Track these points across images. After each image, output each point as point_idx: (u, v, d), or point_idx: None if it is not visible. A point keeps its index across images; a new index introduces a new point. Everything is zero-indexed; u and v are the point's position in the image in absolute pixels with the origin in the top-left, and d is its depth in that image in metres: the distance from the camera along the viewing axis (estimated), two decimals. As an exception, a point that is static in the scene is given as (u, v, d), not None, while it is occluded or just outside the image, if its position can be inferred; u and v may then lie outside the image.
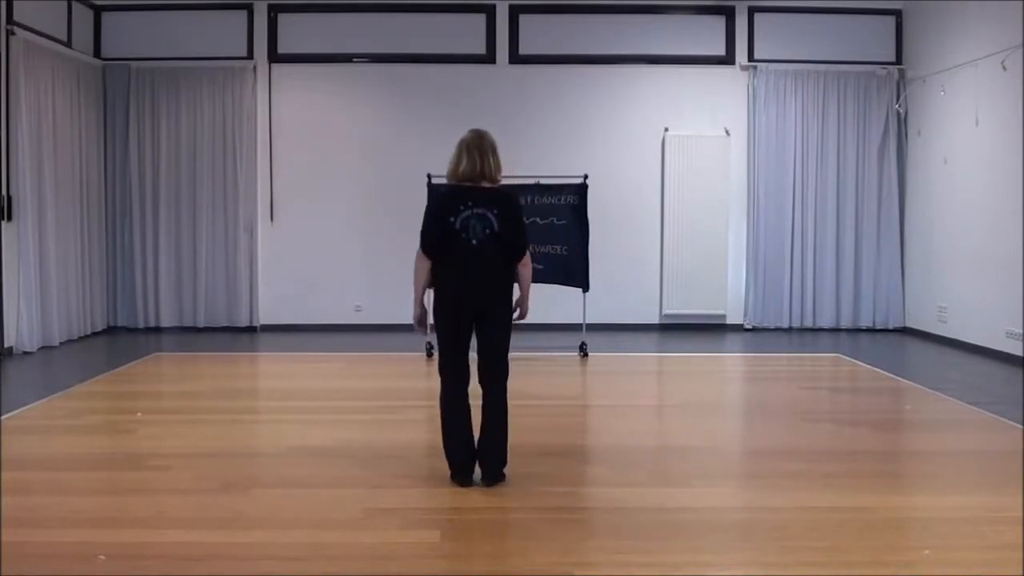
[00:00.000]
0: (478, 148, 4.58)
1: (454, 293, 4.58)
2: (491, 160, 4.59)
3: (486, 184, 4.59)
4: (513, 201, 4.67)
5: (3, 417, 6.07)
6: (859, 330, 10.71)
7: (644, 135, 10.74)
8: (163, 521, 4.16)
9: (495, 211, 4.52)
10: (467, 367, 4.67)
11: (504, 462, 4.67)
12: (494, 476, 4.63)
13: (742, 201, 10.76)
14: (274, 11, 10.67)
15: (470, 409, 4.65)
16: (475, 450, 4.66)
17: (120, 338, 10.18)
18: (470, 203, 4.52)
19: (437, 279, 4.62)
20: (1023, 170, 8.30)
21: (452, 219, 4.51)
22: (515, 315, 4.74)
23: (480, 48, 10.75)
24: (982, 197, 9.06)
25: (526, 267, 4.69)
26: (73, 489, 4.69)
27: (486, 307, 4.59)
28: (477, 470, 4.68)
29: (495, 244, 4.53)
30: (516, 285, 4.75)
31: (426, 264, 4.61)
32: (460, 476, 4.64)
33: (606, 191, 10.11)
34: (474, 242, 4.51)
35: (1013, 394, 7.03)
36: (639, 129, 10.75)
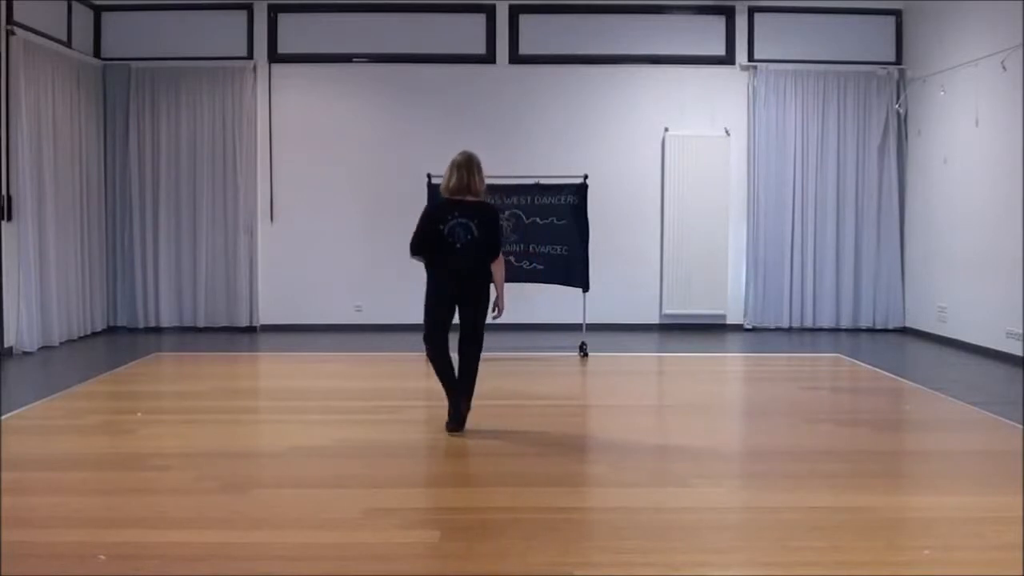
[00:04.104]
0: (466, 167, 5.61)
1: (441, 283, 5.63)
2: (476, 177, 5.62)
3: (470, 198, 5.60)
4: (491, 212, 5.68)
5: (3, 417, 6.06)
6: (859, 330, 10.71)
7: (644, 135, 10.73)
8: (163, 521, 4.15)
9: (476, 220, 5.55)
10: (446, 339, 5.67)
11: (468, 409, 5.63)
12: (459, 422, 5.58)
13: (742, 201, 10.75)
14: (274, 11, 10.66)
15: (451, 359, 5.68)
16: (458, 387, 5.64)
17: (120, 338, 10.17)
18: (456, 213, 5.55)
19: (429, 271, 5.66)
20: (1023, 170, 8.31)
21: (442, 227, 5.54)
22: (493, 314, 5.72)
23: (480, 48, 10.74)
24: (982, 197, 9.06)
25: (499, 266, 5.69)
26: (73, 489, 4.68)
27: (466, 295, 5.64)
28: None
29: (474, 247, 5.55)
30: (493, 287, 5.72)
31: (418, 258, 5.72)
32: (453, 423, 5.59)
33: (606, 191, 10.11)
34: (458, 245, 5.54)
35: (1013, 394, 7.03)
36: (639, 129, 10.74)
